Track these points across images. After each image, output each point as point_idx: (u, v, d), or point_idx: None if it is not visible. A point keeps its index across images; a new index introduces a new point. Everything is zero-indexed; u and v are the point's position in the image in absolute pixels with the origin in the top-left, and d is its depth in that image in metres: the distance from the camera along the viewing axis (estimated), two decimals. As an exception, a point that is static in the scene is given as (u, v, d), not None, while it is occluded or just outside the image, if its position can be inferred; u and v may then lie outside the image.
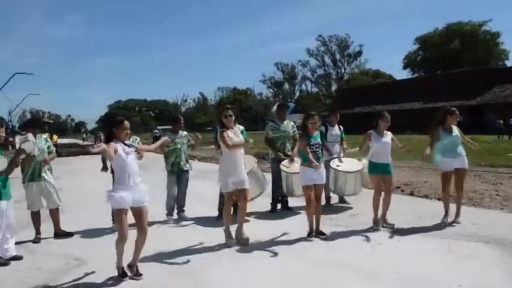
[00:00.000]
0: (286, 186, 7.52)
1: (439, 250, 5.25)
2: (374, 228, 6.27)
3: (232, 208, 6.13)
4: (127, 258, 4.66)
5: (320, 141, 6.12)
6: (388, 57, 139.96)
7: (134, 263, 4.68)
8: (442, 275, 4.47)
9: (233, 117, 5.84)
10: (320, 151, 6.10)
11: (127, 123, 4.66)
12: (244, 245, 5.69)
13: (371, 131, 6.47)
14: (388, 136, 6.46)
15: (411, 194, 9.21)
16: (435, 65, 59.58)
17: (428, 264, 4.79)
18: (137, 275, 4.63)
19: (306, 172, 5.95)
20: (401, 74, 70.47)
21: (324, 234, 5.98)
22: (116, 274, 4.62)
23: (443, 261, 4.89)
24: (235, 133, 5.85)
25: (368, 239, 5.85)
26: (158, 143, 5.55)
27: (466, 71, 42.74)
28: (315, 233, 5.97)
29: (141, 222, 4.69)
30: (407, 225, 6.36)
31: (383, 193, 6.39)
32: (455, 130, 6.48)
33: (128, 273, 4.63)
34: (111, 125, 4.67)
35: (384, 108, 35.62)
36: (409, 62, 66.79)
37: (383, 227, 6.32)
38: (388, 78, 69.08)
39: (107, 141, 4.57)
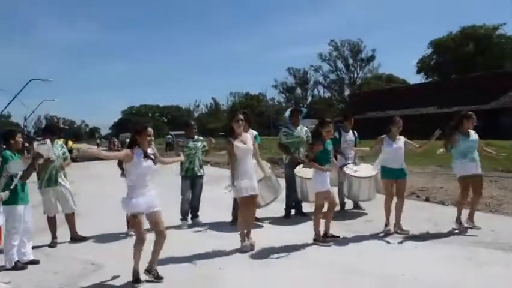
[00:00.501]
0: (301, 191, 7.50)
1: (457, 257, 5.19)
2: (385, 232, 6.30)
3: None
4: (143, 264, 4.69)
5: (332, 148, 6.13)
6: (401, 62, 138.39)
7: (152, 267, 4.72)
8: (460, 282, 4.42)
9: (243, 123, 5.89)
10: (332, 158, 6.14)
11: (150, 130, 4.74)
12: (250, 250, 5.72)
13: (383, 136, 6.50)
14: (400, 141, 6.46)
15: (427, 200, 9.11)
16: (449, 69, 59.03)
17: (445, 271, 4.73)
18: (158, 278, 4.69)
19: (320, 177, 5.97)
20: (415, 79, 69.76)
21: (337, 237, 6.01)
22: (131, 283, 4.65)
23: (461, 268, 4.83)
24: (243, 140, 5.84)
25: (383, 245, 5.82)
26: (175, 159, 5.66)
27: (481, 75, 42.24)
28: (327, 237, 5.99)
29: (158, 227, 4.73)
30: (424, 232, 6.30)
31: (395, 198, 6.39)
32: (473, 135, 6.41)
33: (147, 278, 4.67)
34: (134, 132, 4.74)
35: (397, 113, 35.31)
36: (423, 67, 66.20)
37: (397, 233, 6.29)
38: (401, 83, 68.63)
39: (129, 147, 4.67)
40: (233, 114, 6.19)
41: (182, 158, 5.84)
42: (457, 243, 5.76)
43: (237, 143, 5.74)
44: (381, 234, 6.25)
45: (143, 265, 4.69)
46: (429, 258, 5.19)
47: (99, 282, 4.76)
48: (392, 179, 6.39)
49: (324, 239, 5.96)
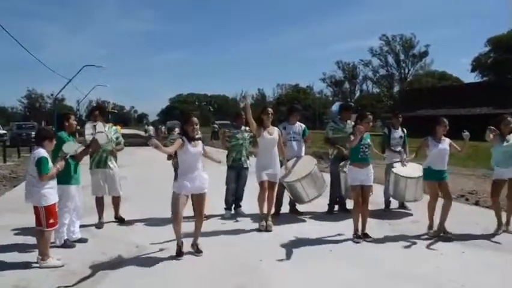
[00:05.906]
0: (345, 187, 7.38)
1: (506, 264, 4.98)
2: (428, 234, 6.18)
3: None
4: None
5: (370, 143, 6.06)
6: (455, 59, 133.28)
7: (194, 242, 5.29)
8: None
9: (272, 116, 6.49)
10: (369, 152, 6.06)
11: (194, 119, 5.16)
12: (267, 230, 6.32)
13: (428, 137, 6.33)
14: (446, 142, 6.27)
15: (476, 203, 8.76)
16: (508, 68, 56.20)
17: (494, 278, 4.54)
18: (198, 251, 5.21)
19: (354, 172, 5.98)
20: (469, 77, 67.16)
21: (369, 236, 5.95)
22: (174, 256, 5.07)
23: (510, 276, 4.63)
24: (269, 132, 6.43)
25: (429, 248, 5.64)
26: (214, 160, 5.76)
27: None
28: (362, 235, 5.96)
29: (199, 208, 5.26)
30: (472, 237, 6.08)
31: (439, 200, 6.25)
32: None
33: (189, 249, 5.16)
34: (182, 122, 5.21)
35: (449, 112, 34.19)
36: (478, 65, 63.40)
37: (442, 235, 6.10)
38: (455, 81, 66.12)
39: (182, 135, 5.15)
40: (264, 107, 6.73)
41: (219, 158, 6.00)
42: (506, 250, 5.51)
43: (264, 133, 6.36)
44: (424, 237, 6.10)
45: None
46: (477, 264, 5.00)
47: (142, 264, 4.89)
48: (436, 180, 6.23)
49: (358, 236, 5.94)
